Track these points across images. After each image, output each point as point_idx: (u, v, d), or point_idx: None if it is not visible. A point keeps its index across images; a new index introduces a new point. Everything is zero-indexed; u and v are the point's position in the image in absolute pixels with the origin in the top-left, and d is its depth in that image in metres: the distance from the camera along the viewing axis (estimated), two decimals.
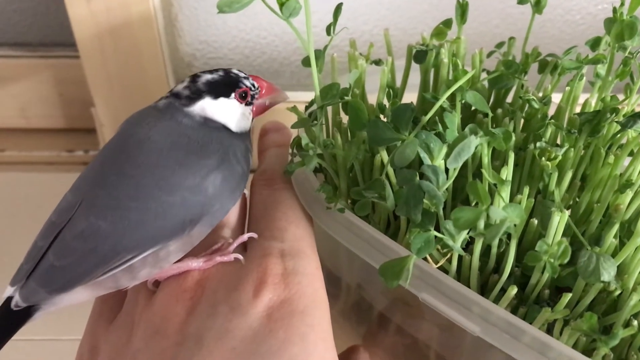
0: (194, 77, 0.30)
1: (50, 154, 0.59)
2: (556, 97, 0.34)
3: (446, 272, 0.29)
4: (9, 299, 0.27)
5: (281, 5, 0.28)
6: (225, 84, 0.30)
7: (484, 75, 0.36)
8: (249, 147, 0.31)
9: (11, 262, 0.50)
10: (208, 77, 0.30)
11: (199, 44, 0.49)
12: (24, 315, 0.27)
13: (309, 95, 0.33)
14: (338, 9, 0.30)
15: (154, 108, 0.30)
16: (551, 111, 0.34)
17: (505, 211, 0.24)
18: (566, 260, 0.25)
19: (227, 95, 0.30)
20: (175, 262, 0.27)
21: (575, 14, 0.48)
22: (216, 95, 0.30)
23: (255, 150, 0.37)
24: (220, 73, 0.30)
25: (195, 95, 0.30)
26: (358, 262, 0.30)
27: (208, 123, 0.29)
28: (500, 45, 0.37)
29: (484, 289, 0.30)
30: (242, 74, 0.31)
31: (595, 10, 0.48)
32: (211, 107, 0.30)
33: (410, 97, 0.36)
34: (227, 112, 0.30)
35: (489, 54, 0.37)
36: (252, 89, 0.31)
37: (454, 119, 0.27)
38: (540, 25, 0.49)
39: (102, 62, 0.48)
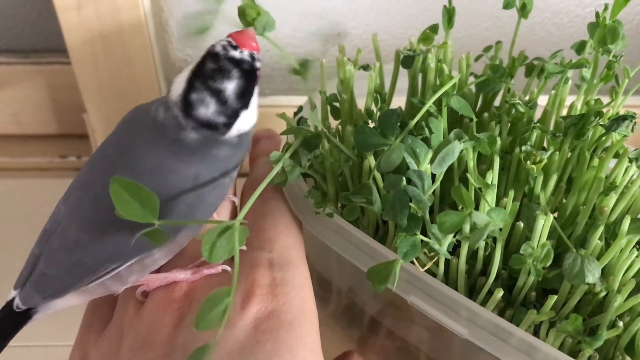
0: (216, 92, 0.26)
1: (43, 160, 0.59)
2: (544, 99, 0.34)
3: (434, 275, 0.29)
4: (12, 301, 0.28)
5: (252, 20, 0.28)
6: (249, 82, 0.26)
7: (471, 79, 0.36)
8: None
9: (7, 267, 0.50)
10: (231, 86, 0.26)
11: (190, 49, 0.50)
12: (24, 316, 0.28)
13: (300, 100, 0.33)
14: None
15: (175, 142, 0.26)
16: (538, 114, 0.34)
17: (490, 215, 0.24)
18: (549, 263, 0.25)
19: (253, 94, 0.27)
20: (163, 272, 0.28)
21: (564, 17, 0.49)
22: (248, 104, 0.27)
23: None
24: (237, 73, 0.26)
25: (233, 118, 0.26)
26: (348, 266, 0.30)
27: (241, 139, 0.27)
28: (488, 49, 0.38)
29: (472, 291, 0.31)
30: (246, 56, 0.26)
31: (584, 13, 0.49)
32: (245, 121, 0.27)
33: (399, 101, 0.36)
34: (254, 111, 0.27)
35: (477, 58, 0.38)
36: (258, 59, 0.27)
37: (440, 124, 0.27)
38: (529, 28, 0.49)
39: (93, 68, 0.48)
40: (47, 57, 0.55)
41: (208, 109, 0.26)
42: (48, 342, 0.48)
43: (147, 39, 0.47)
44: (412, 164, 0.27)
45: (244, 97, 0.26)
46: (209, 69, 0.26)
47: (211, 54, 0.26)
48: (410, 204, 0.26)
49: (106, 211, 0.25)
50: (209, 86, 0.26)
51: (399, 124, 0.28)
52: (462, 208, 0.25)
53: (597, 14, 0.30)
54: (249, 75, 0.26)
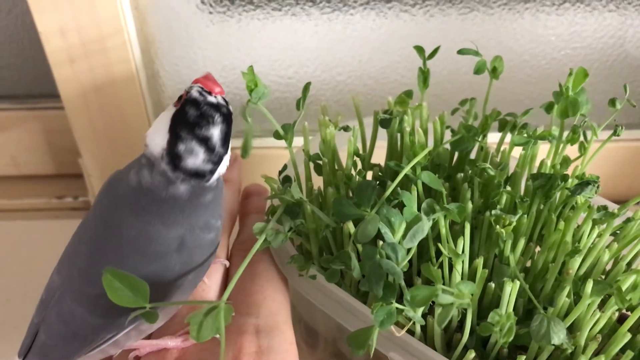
0: (204, 140, 0.26)
1: (40, 201, 0.60)
2: (519, 149, 0.35)
3: (413, 331, 0.31)
4: None
5: (250, 91, 0.30)
6: (228, 126, 0.27)
7: (448, 132, 0.38)
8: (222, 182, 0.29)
9: (4, 308, 0.52)
10: (217, 132, 0.26)
11: None
12: None
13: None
14: (306, 88, 0.32)
15: (160, 200, 0.26)
16: (514, 163, 0.36)
17: (459, 288, 0.26)
18: (511, 338, 0.27)
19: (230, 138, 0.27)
20: (155, 338, 0.29)
21: (541, 60, 0.51)
22: (228, 148, 0.27)
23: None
24: (219, 118, 0.26)
25: (218, 164, 0.27)
26: (332, 321, 0.32)
27: (218, 181, 0.28)
28: (463, 102, 0.39)
29: (450, 345, 0.32)
30: (221, 100, 0.27)
31: (559, 56, 0.50)
32: (224, 164, 0.27)
33: (381, 152, 0.38)
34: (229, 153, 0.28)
35: (453, 111, 0.39)
36: (229, 102, 0.28)
37: (412, 198, 0.29)
38: (508, 70, 0.51)
39: (87, 118, 0.50)
40: (42, 102, 0.57)
41: (197, 159, 0.26)
42: None
43: (138, 90, 0.48)
44: (387, 234, 0.28)
45: (226, 141, 0.27)
46: (193, 115, 0.26)
47: (190, 101, 0.26)
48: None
49: (96, 285, 0.25)
50: (196, 135, 0.25)
51: (375, 189, 0.30)
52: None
53: (560, 86, 0.31)
54: (228, 119, 0.27)
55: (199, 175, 0.26)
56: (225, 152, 0.27)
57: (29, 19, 0.52)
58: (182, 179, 0.26)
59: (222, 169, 0.27)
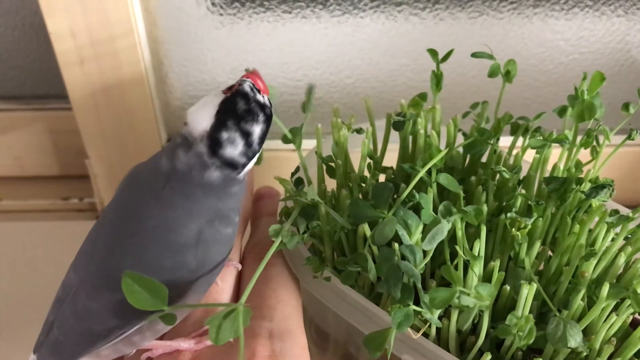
0: (246, 134, 0.27)
1: (45, 202, 0.60)
2: (531, 152, 0.36)
3: (427, 334, 0.31)
4: None
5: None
6: (268, 127, 0.28)
7: (460, 136, 0.38)
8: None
9: (10, 311, 0.52)
10: (258, 130, 0.27)
11: (189, 99, 0.51)
12: None
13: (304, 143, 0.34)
14: (309, 92, 0.32)
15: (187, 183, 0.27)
16: (526, 167, 0.36)
17: (477, 291, 0.26)
18: (531, 341, 0.27)
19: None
20: (168, 339, 0.29)
21: (548, 64, 0.51)
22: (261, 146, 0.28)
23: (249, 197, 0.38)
24: (262, 117, 0.27)
25: (251, 160, 0.28)
26: (344, 323, 0.32)
27: (244, 175, 0.28)
28: (475, 106, 0.39)
29: (463, 348, 0.32)
30: (267, 101, 0.28)
31: (567, 60, 0.51)
32: (254, 161, 0.28)
33: (393, 155, 0.38)
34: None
35: (465, 115, 0.39)
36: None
37: (429, 199, 0.29)
38: (517, 75, 0.51)
39: (95, 119, 0.50)
40: (49, 103, 0.57)
41: (235, 150, 0.27)
42: None
43: (147, 91, 0.48)
44: (405, 237, 0.28)
45: (262, 141, 0.28)
46: (242, 109, 0.27)
47: (242, 94, 0.27)
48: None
49: (114, 281, 0.25)
50: (240, 127, 0.26)
51: (392, 191, 0.30)
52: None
53: (575, 89, 0.31)
54: (268, 120, 0.28)
55: (232, 165, 0.27)
56: (259, 151, 0.28)
57: (37, 19, 0.52)
58: (216, 166, 0.27)
59: (251, 165, 0.28)
